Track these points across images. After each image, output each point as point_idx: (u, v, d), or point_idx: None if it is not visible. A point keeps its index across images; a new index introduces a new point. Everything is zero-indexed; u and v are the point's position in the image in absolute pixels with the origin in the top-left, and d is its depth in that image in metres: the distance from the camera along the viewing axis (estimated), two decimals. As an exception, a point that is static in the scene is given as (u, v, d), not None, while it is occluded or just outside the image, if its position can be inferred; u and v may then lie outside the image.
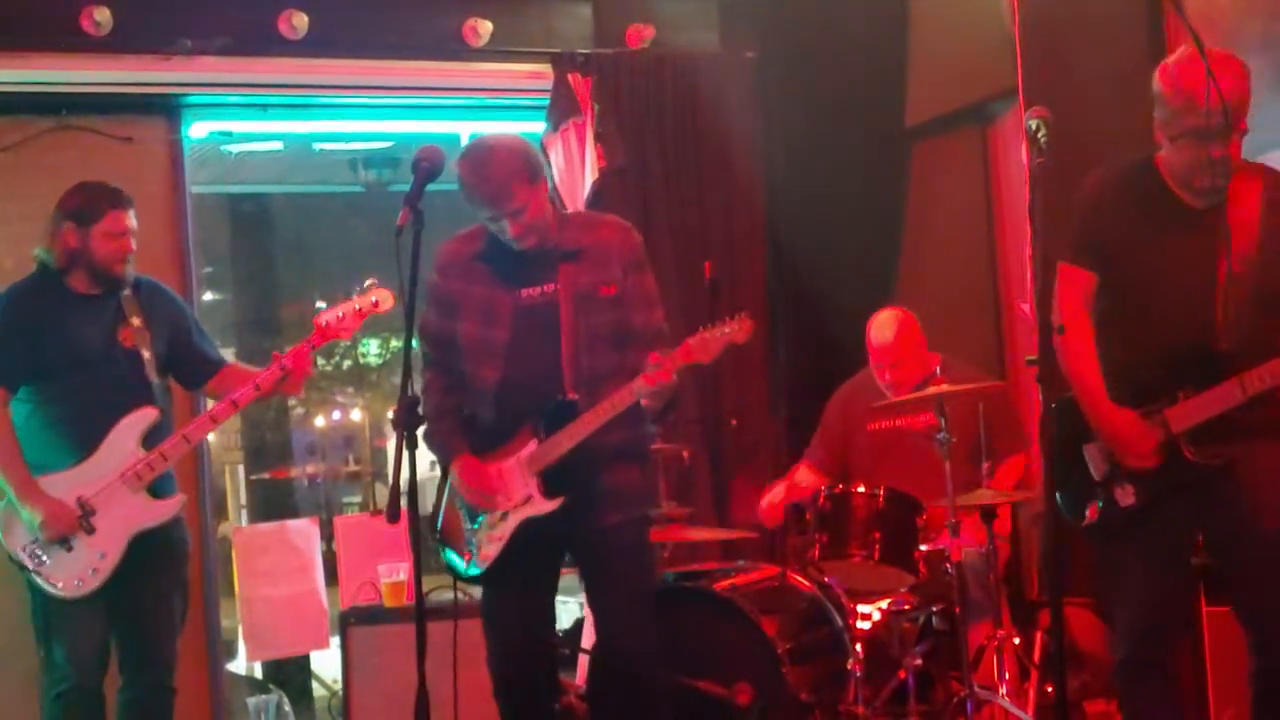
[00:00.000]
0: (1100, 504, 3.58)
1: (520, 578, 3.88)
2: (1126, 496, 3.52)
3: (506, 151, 3.75)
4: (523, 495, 3.81)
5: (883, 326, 5.15)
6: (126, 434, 4.22)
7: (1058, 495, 3.77)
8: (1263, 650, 3.48)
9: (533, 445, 3.81)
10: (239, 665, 6.69)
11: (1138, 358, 3.51)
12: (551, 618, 4.05)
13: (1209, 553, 3.57)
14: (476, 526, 3.89)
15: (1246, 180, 3.47)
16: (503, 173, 3.70)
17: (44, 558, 4.13)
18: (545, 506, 3.79)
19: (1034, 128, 3.15)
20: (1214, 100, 3.25)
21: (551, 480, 3.79)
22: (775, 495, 5.12)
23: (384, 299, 4.32)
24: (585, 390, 3.76)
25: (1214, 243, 3.43)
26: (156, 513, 4.24)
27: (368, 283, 4.35)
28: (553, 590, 4.04)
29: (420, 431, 3.41)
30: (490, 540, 3.84)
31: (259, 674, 6.68)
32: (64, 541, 4.13)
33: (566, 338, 3.77)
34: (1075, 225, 3.67)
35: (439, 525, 3.98)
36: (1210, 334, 3.41)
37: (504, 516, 3.83)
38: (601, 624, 3.95)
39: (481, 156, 3.74)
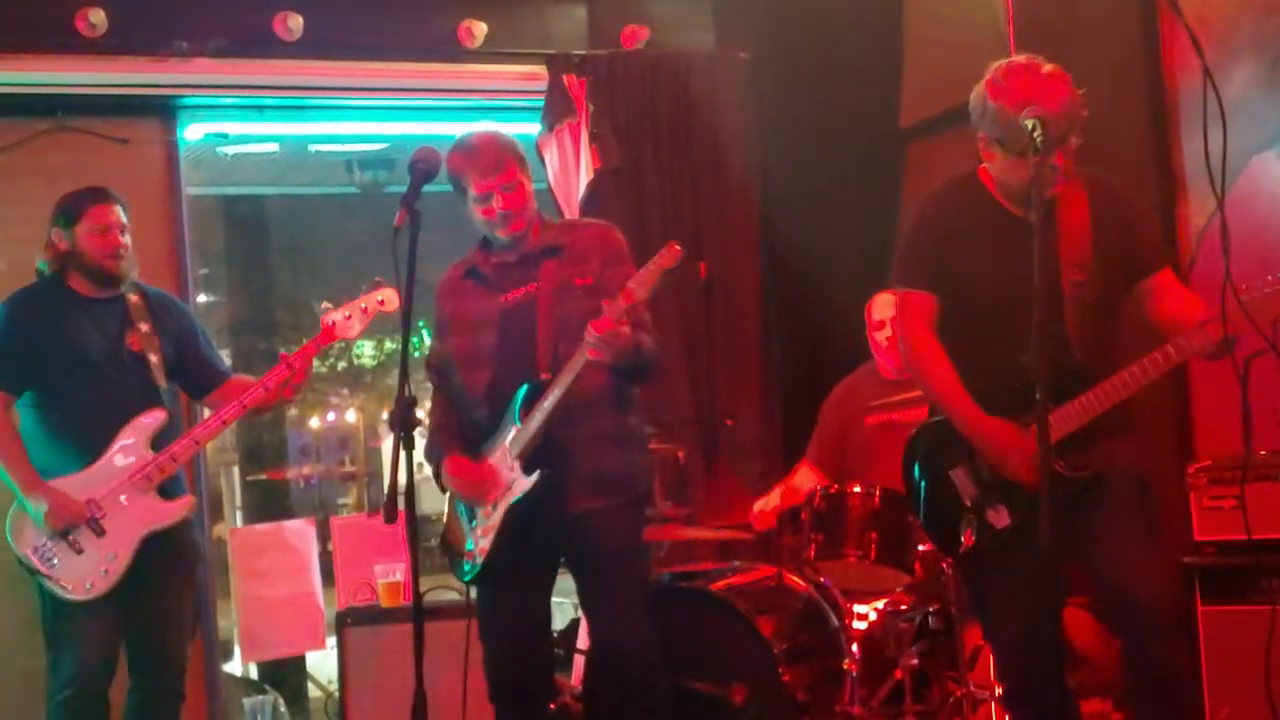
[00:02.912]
0: (974, 529, 3.48)
1: (515, 577, 3.89)
2: (1001, 518, 3.41)
3: (498, 134, 3.95)
4: (508, 481, 3.84)
5: (884, 302, 5.19)
6: (136, 436, 4.22)
7: (929, 528, 3.71)
8: (1140, 647, 3.37)
9: (513, 431, 3.83)
10: (235, 666, 6.70)
11: (991, 377, 3.39)
12: (548, 618, 4.05)
13: (1079, 559, 3.44)
14: (474, 525, 3.91)
15: (1073, 189, 3.41)
16: (497, 146, 3.88)
17: (54, 560, 4.13)
18: (525, 484, 3.79)
19: (1031, 126, 3.13)
20: (1055, 110, 3.17)
21: (531, 462, 3.80)
22: (769, 502, 5.13)
23: (390, 298, 4.33)
24: (556, 371, 3.77)
25: (1052, 253, 3.34)
26: (166, 514, 4.24)
27: (374, 281, 4.36)
28: (548, 591, 4.04)
29: (421, 445, 3.46)
30: (484, 534, 3.87)
31: (255, 675, 6.68)
32: (73, 544, 4.12)
33: (543, 323, 3.83)
34: (905, 249, 3.62)
35: (445, 538, 4.02)
36: (1064, 346, 3.32)
37: (494, 507, 3.86)
38: (593, 619, 3.96)
39: (473, 137, 3.92)
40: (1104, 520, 3.40)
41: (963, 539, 3.51)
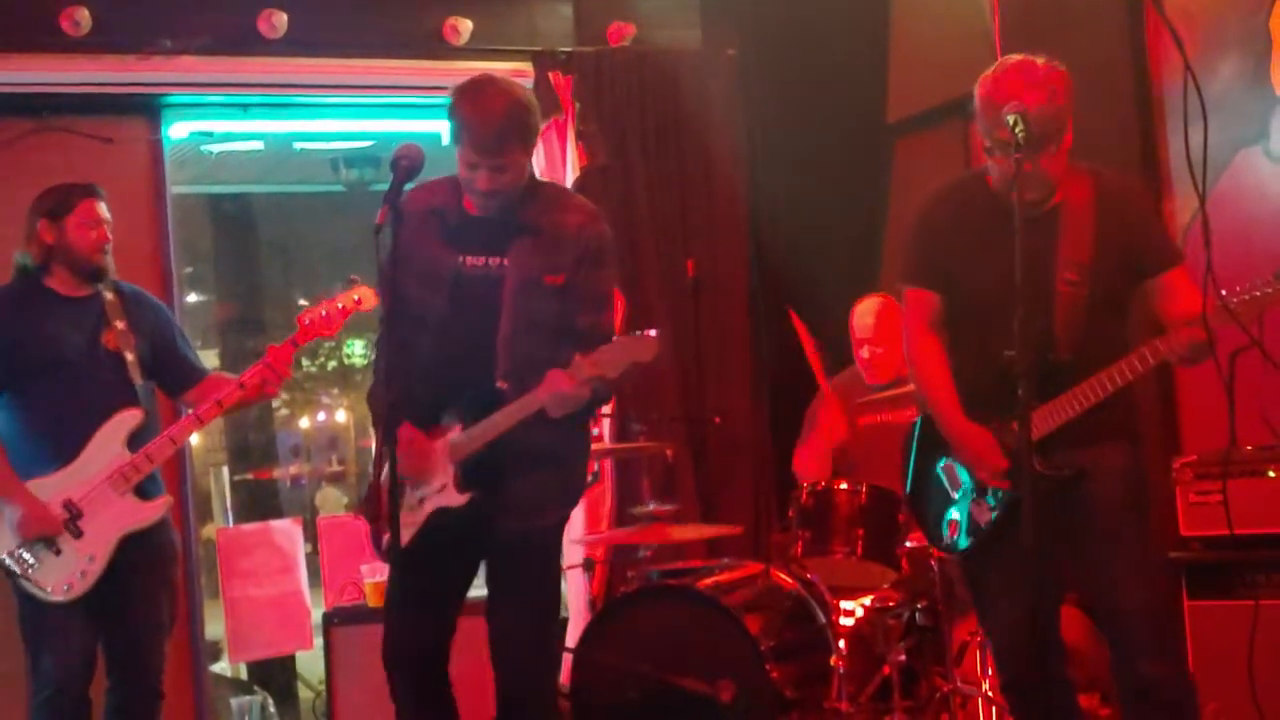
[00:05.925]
0: (959, 523, 3.53)
1: (429, 572, 3.63)
2: (984, 514, 3.46)
3: (515, 104, 3.54)
4: (440, 482, 3.63)
5: (865, 312, 5.19)
6: (112, 436, 4.19)
7: (918, 517, 3.75)
8: (1127, 658, 3.38)
9: (456, 431, 3.62)
10: (223, 666, 6.68)
11: (979, 372, 3.43)
12: (452, 623, 3.76)
13: (1069, 559, 3.44)
14: (401, 504, 3.55)
15: (1078, 184, 3.40)
16: (505, 123, 3.51)
17: (31, 562, 4.10)
18: (455, 500, 3.59)
19: (1012, 123, 3.12)
20: (1032, 109, 3.14)
21: (468, 473, 3.60)
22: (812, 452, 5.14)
23: (366, 296, 4.31)
24: (516, 380, 3.54)
25: (1049, 252, 3.35)
26: (144, 514, 4.21)
27: (351, 280, 4.34)
28: (460, 596, 3.78)
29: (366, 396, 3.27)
30: (405, 524, 3.51)
31: (244, 675, 6.67)
32: (51, 545, 4.10)
33: (505, 321, 3.58)
34: (910, 246, 3.63)
35: (369, 496, 3.76)
36: (1050, 345, 3.33)
37: (421, 501, 3.65)
38: (493, 639, 3.69)
39: (490, 99, 3.52)
40: (1091, 524, 3.41)
41: (947, 532, 3.56)
